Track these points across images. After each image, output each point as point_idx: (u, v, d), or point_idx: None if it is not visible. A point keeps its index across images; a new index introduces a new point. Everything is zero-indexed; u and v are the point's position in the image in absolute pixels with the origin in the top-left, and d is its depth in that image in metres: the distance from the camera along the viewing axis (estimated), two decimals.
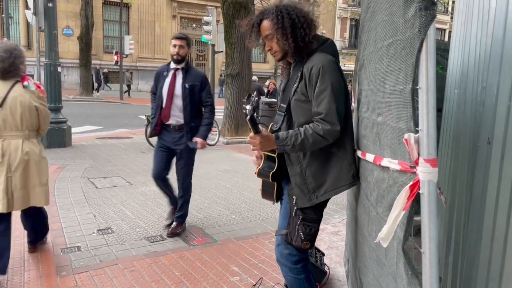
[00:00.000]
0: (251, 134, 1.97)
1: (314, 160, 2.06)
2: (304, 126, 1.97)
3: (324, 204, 2.15)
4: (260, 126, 1.98)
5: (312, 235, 2.12)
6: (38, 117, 3.01)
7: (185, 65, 3.67)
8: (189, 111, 3.62)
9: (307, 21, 2.04)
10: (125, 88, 22.92)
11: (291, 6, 2.06)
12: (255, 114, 1.95)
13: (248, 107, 1.85)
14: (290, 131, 1.98)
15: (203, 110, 3.79)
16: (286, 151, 2.05)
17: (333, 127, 1.91)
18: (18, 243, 3.48)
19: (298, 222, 2.10)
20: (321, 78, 1.93)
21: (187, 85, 3.60)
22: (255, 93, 2.19)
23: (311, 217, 2.10)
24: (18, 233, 3.67)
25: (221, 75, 25.46)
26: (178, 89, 3.61)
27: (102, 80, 23.62)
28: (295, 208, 2.13)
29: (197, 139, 3.62)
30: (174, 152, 3.74)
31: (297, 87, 2.04)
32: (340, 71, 2.03)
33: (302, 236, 2.09)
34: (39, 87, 3.06)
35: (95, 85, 22.37)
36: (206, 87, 3.72)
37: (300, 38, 2.02)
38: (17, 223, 3.89)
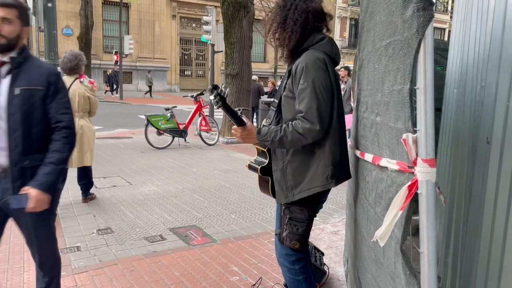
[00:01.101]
0: (235, 126, 2.00)
1: (295, 158, 2.03)
2: (287, 123, 1.96)
3: (315, 204, 2.11)
4: (244, 119, 2.01)
5: (299, 235, 2.09)
6: (89, 104, 4.43)
7: (17, 54, 1.99)
8: (20, 138, 1.95)
9: (297, 24, 1.98)
10: (146, 88, 23.47)
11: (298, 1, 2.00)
12: (239, 109, 1.98)
13: (211, 97, 1.86)
14: (272, 126, 1.99)
15: (54, 136, 2.05)
16: (267, 146, 2.07)
17: (312, 126, 1.86)
18: (18, 243, 3.47)
19: (286, 221, 2.10)
20: (304, 76, 1.91)
21: (17, 90, 1.95)
22: (222, 85, 2.22)
23: (298, 216, 2.08)
24: (18, 233, 3.66)
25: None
26: (3, 99, 1.95)
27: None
28: (283, 207, 2.12)
29: (30, 190, 1.92)
30: (6, 211, 2.09)
31: (286, 83, 2.05)
32: (328, 69, 1.94)
33: (289, 236, 2.09)
34: (92, 83, 4.49)
35: (114, 85, 22.54)
36: (59, 94, 2.07)
37: (281, 38, 2.03)
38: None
